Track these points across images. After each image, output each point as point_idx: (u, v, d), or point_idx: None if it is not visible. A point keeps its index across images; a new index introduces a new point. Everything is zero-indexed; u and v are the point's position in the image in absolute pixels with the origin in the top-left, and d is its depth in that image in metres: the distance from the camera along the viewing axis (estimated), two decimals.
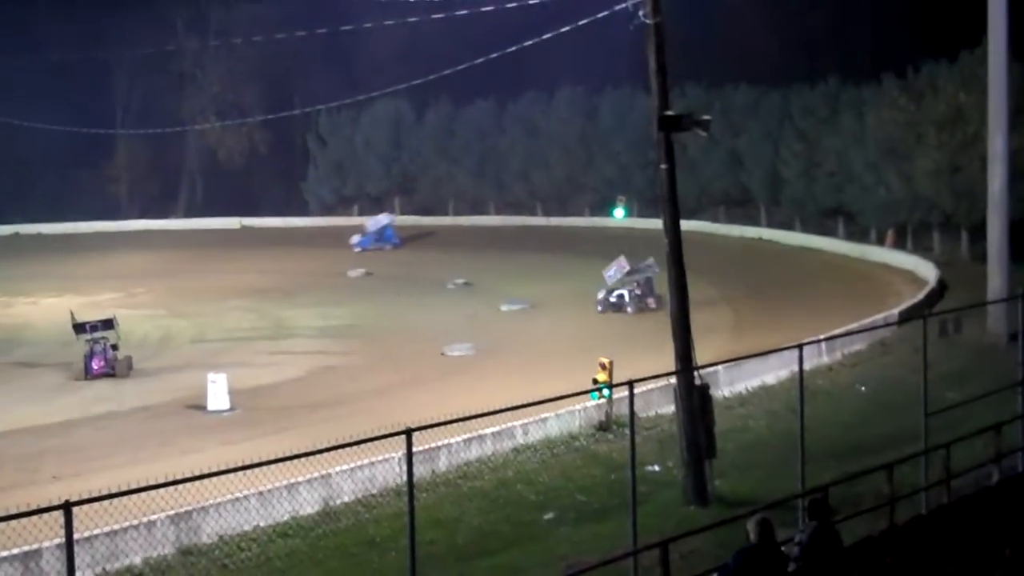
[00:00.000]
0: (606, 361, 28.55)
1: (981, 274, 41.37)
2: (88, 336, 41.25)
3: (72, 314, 43.47)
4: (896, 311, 43.97)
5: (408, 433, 12.16)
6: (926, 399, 18.92)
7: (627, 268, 52.74)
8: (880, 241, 70.05)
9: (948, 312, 37.66)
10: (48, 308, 57.52)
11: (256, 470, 11.42)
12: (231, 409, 34.74)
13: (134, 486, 10.54)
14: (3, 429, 33.23)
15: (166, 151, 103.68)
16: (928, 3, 76.12)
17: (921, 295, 48.80)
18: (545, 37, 34.88)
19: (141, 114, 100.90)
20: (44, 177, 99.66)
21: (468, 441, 26.19)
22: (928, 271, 56.49)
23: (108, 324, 41.74)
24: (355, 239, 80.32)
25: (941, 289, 51.34)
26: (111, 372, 40.79)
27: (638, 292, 52.13)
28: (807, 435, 17.58)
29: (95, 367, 40.72)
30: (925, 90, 65.25)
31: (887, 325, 39.40)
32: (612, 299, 52.05)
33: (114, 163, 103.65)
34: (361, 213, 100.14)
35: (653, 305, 50.03)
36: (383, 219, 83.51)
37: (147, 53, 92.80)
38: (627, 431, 15.97)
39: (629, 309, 51.43)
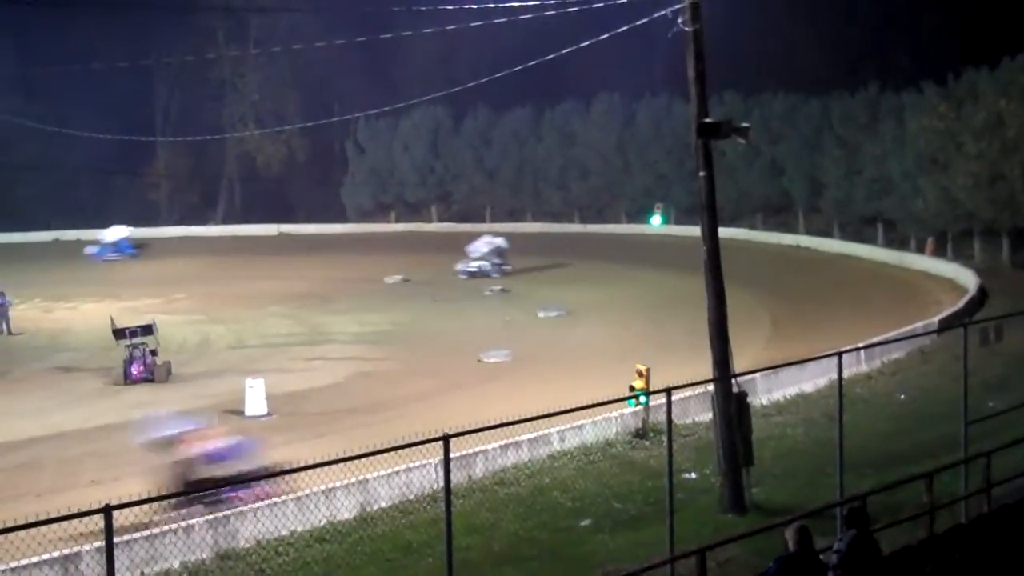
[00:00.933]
0: (643, 368, 28.46)
1: (1022, 282, 41.00)
2: (127, 341, 41.47)
3: (112, 319, 43.78)
4: (936, 319, 43.67)
5: (445, 439, 12.18)
6: (966, 407, 18.78)
7: (494, 243, 70.18)
8: (920, 249, 69.60)
9: (989, 320, 37.31)
10: (88, 313, 57.98)
11: (293, 475, 11.46)
12: (268, 414, 34.87)
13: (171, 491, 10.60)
14: (43, 434, 33.55)
15: (205, 158, 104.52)
16: (969, 10, 75.66)
17: (961, 303, 48.43)
18: (583, 45, 34.78)
19: (181, 121, 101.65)
20: (84, 183, 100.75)
21: (505, 447, 26.16)
22: (968, 279, 56.04)
23: (147, 330, 41.97)
24: (89, 249, 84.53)
25: (982, 297, 50.94)
26: (150, 377, 41.02)
27: (498, 261, 69.28)
28: (845, 443, 17.46)
29: (134, 372, 40.96)
30: (965, 97, 64.81)
31: (927, 333, 39.13)
32: (472, 269, 69.02)
33: (154, 170, 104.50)
34: (398, 220, 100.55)
35: (508, 269, 68.72)
36: (116, 232, 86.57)
37: (188, 61, 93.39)
38: (664, 438, 15.94)
39: (494, 275, 67.75)
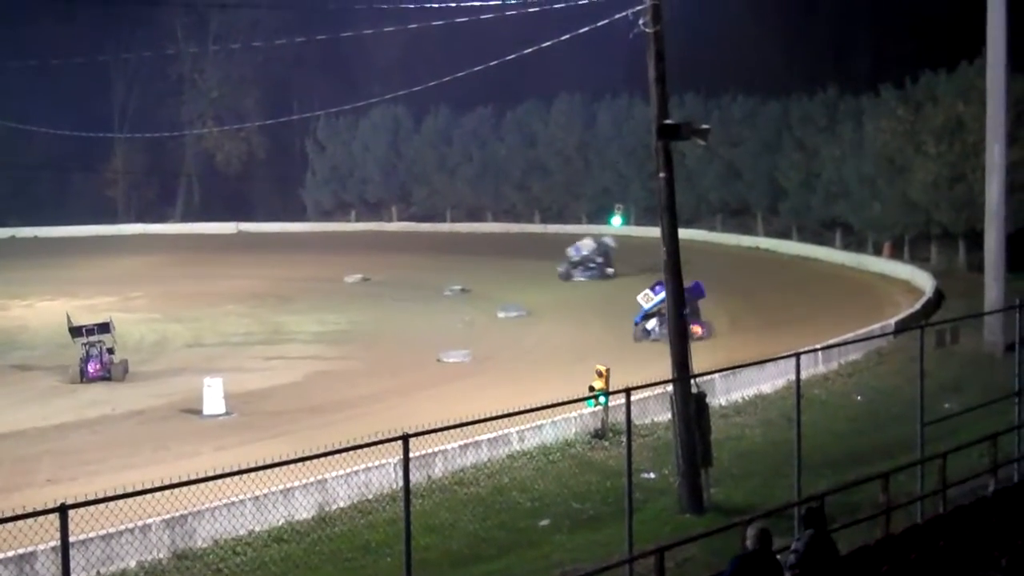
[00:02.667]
0: (603, 369, 28.51)
1: (978, 284, 41.37)
2: (84, 340, 41.18)
3: (68, 317, 43.42)
4: (893, 321, 43.97)
5: (405, 439, 12.16)
6: (923, 409, 18.92)
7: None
8: (877, 251, 70.09)
9: (945, 322, 37.58)
10: (44, 311, 57.49)
11: (251, 474, 11.41)
12: (227, 413, 34.67)
13: (129, 490, 10.53)
14: None
15: (164, 155, 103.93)
16: (927, 14, 76.23)
17: (918, 305, 48.79)
18: (544, 45, 34.81)
19: (139, 118, 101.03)
20: (41, 180, 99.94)
21: (464, 447, 26.14)
22: (925, 281, 56.48)
23: (104, 328, 41.67)
24: None
25: (938, 299, 51.35)
26: (107, 376, 40.71)
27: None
28: (803, 444, 17.58)
29: (91, 371, 40.65)
30: (924, 101, 65.32)
31: (884, 335, 39.37)
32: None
33: (111, 167, 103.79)
34: (358, 219, 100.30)
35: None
36: None
37: (146, 57, 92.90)
38: (623, 438, 15.97)
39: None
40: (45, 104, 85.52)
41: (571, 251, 66.17)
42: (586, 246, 66.29)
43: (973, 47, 50.32)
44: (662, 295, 42.32)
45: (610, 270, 64.89)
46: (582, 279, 64.41)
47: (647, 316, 45.12)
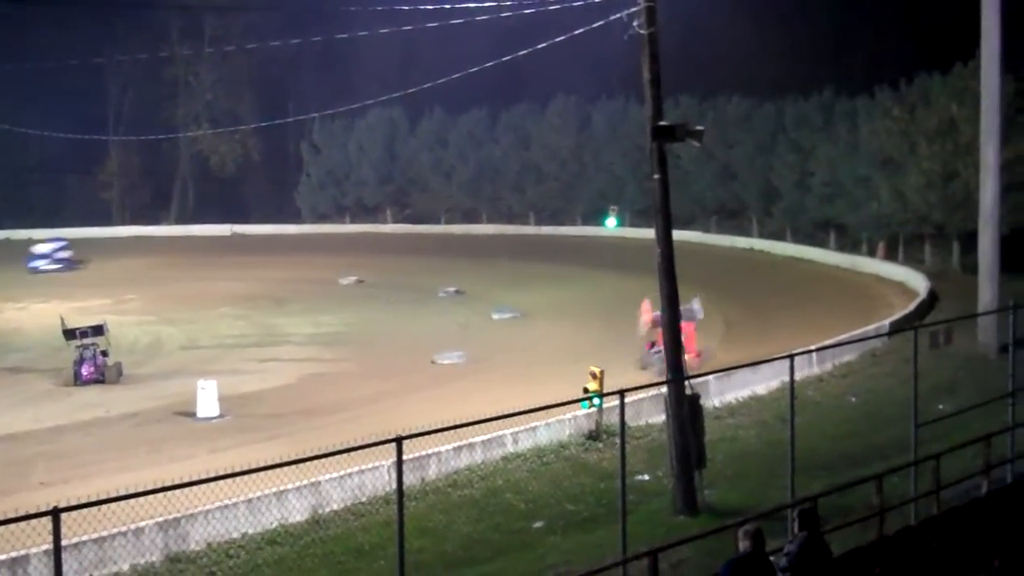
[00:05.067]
0: (597, 370, 28.51)
1: (972, 285, 41.40)
2: (78, 342, 41.15)
3: (62, 320, 43.38)
4: (887, 322, 44.00)
5: (398, 441, 12.14)
6: (916, 410, 18.94)
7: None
8: (872, 252, 70.13)
9: (939, 324, 37.59)
10: (38, 313, 57.45)
11: (245, 477, 11.39)
12: (221, 416, 34.65)
13: (122, 492, 10.51)
14: None
15: (158, 157, 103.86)
16: (922, 16, 76.35)
17: (912, 306, 48.83)
18: (539, 47, 34.82)
19: (134, 120, 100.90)
20: (36, 183, 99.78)
21: (458, 449, 26.12)
22: (919, 282, 56.53)
23: (98, 330, 41.64)
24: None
25: (932, 300, 51.39)
26: (101, 378, 40.67)
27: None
28: (797, 445, 17.58)
29: (85, 373, 40.60)
30: (918, 102, 65.44)
31: (878, 336, 39.40)
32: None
33: (106, 169, 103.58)
34: (353, 221, 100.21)
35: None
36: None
37: (141, 59, 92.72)
38: (617, 440, 15.97)
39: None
40: (39, 106, 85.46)
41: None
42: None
43: (967, 49, 50.41)
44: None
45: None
46: None
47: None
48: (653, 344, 37.56)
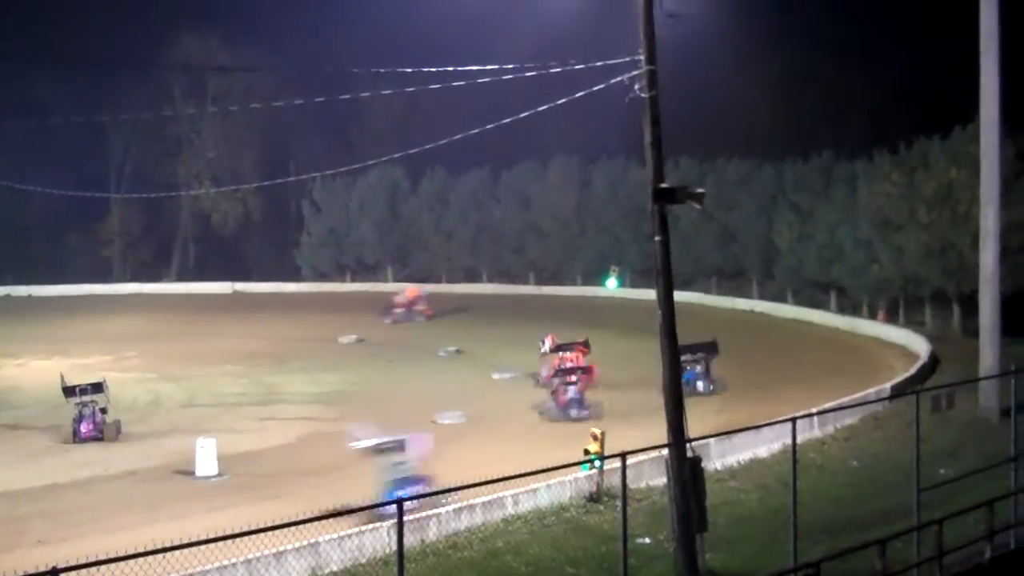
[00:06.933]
0: (598, 432, 28.43)
1: (973, 349, 41.36)
2: (77, 399, 41.03)
3: (62, 377, 43.31)
4: (888, 385, 43.93)
5: (399, 503, 12.12)
6: (919, 474, 18.88)
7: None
8: (872, 315, 70.20)
9: (940, 387, 37.52)
10: (37, 370, 57.30)
11: (244, 537, 11.34)
12: (219, 475, 34.51)
13: (121, 552, 10.46)
14: None
15: (160, 215, 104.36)
16: (922, 80, 76.91)
17: (913, 369, 48.79)
18: (540, 109, 34.99)
19: (136, 178, 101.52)
20: (37, 239, 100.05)
21: (458, 510, 26.00)
22: (920, 345, 56.52)
23: (98, 388, 41.54)
24: None
25: (933, 364, 51.36)
26: (99, 436, 40.52)
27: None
28: (799, 509, 17.51)
29: (83, 431, 40.47)
30: (917, 166, 65.77)
31: (879, 400, 39.32)
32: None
33: (107, 226, 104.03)
34: (353, 280, 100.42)
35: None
36: None
37: (144, 118, 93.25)
38: (618, 503, 15.90)
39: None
40: (42, 163, 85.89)
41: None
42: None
43: (966, 113, 50.70)
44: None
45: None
46: None
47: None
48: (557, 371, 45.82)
